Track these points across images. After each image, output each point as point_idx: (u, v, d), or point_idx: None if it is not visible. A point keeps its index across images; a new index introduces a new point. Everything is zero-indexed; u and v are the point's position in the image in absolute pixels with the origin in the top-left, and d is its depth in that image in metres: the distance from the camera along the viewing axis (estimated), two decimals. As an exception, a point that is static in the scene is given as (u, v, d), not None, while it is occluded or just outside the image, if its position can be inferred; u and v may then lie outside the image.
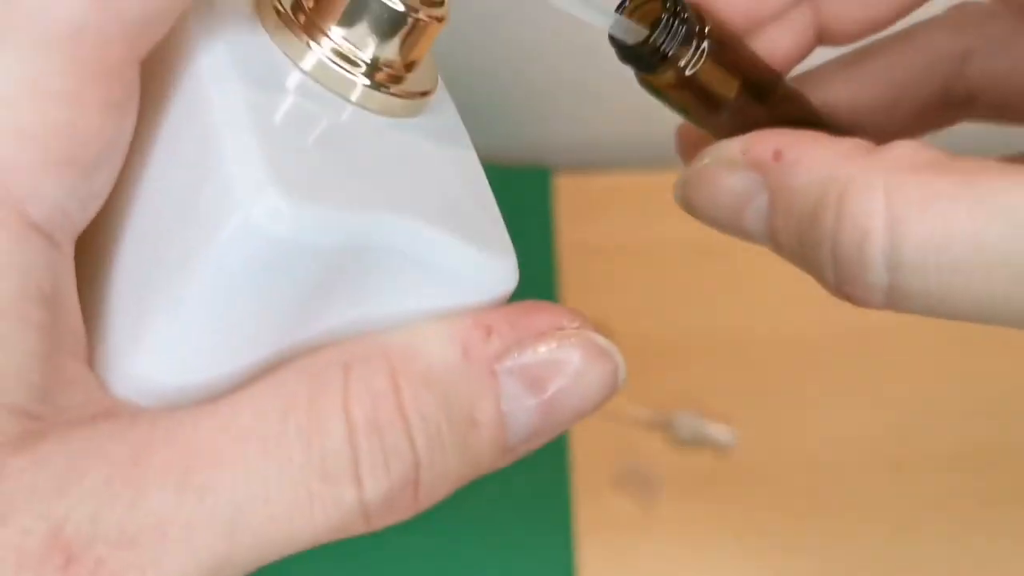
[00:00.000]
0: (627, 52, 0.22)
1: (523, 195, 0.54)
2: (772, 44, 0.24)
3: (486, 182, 0.20)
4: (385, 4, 0.19)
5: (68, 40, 0.15)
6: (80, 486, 0.16)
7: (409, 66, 0.20)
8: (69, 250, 0.17)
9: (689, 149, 0.26)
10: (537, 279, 0.53)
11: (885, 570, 0.48)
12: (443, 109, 0.21)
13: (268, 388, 0.17)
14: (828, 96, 0.26)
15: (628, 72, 0.24)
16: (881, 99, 0.26)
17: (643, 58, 0.21)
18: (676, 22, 0.21)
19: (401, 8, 0.19)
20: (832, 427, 0.51)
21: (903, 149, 0.20)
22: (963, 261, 0.19)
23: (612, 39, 0.22)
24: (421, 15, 0.19)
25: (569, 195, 0.56)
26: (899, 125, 0.27)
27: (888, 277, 0.19)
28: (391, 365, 0.18)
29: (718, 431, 0.50)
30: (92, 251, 0.18)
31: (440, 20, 0.19)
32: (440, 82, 0.21)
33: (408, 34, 0.19)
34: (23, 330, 0.16)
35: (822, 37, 0.25)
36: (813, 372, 0.52)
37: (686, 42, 0.21)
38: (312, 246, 0.17)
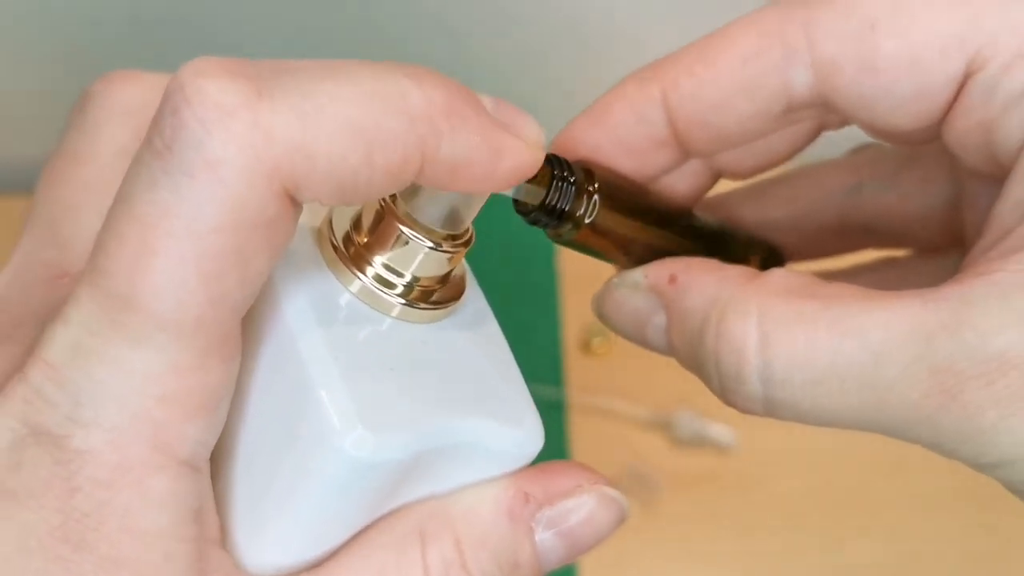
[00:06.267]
0: (530, 217, 0.24)
1: (523, 195, 0.54)
2: (671, 188, 0.27)
3: (511, 355, 0.24)
4: (417, 243, 0.22)
5: (192, 331, 0.19)
6: None
7: (442, 280, 0.23)
8: (207, 469, 0.21)
9: None
10: (537, 279, 0.53)
11: (885, 570, 0.49)
12: (472, 298, 0.25)
13: (363, 561, 0.23)
14: (739, 216, 0.29)
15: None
16: (783, 222, 0.30)
17: (543, 218, 0.24)
18: (564, 184, 0.24)
19: (430, 245, 0.22)
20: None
21: (777, 275, 0.23)
22: (823, 375, 0.22)
23: (516, 207, 0.24)
24: (446, 247, 0.22)
25: (569, 195, 0.56)
26: (804, 245, 0.30)
27: (763, 390, 0.22)
28: (455, 535, 0.23)
29: (718, 431, 0.50)
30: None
31: (466, 245, 0.23)
32: (468, 274, 0.25)
33: (438, 262, 0.23)
34: (184, 546, 0.21)
35: (721, 175, 0.28)
36: (813, 372, 0.52)
37: (578, 197, 0.24)
38: (391, 461, 0.21)
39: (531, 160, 0.21)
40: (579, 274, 0.53)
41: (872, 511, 0.50)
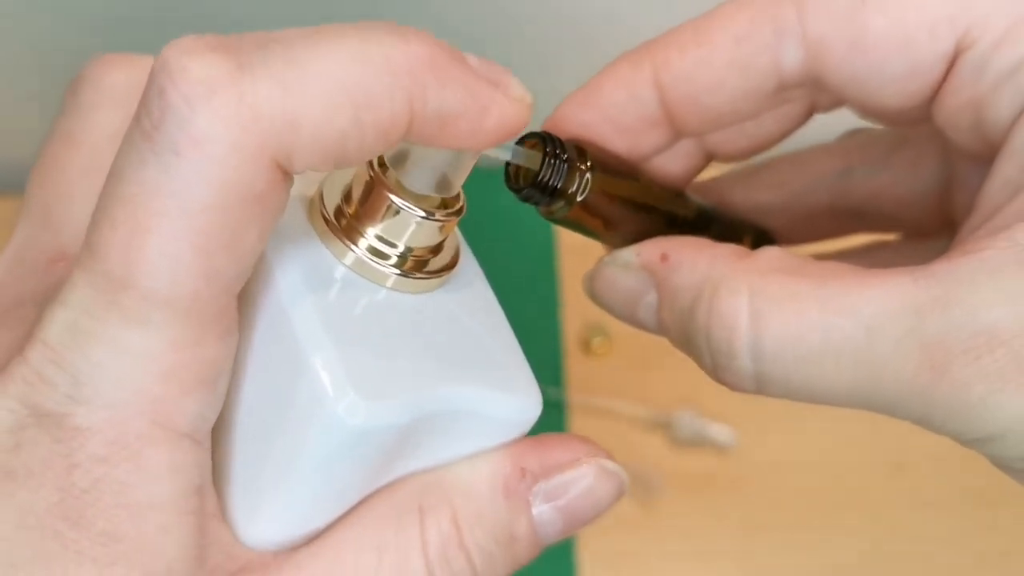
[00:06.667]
0: (523, 194, 0.25)
1: (523, 195, 0.55)
2: (662, 169, 0.27)
3: (507, 324, 0.24)
4: (409, 212, 0.22)
5: (188, 308, 0.20)
6: None
7: (434, 250, 0.23)
8: (207, 442, 0.22)
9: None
10: (537, 279, 0.53)
11: (884, 570, 0.49)
12: (466, 266, 0.25)
13: (361, 532, 0.23)
14: (730, 200, 0.30)
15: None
16: (773, 206, 0.30)
17: (536, 195, 0.24)
18: (556, 161, 0.24)
19: (422, 214, 0.22)
20: (832, 427, 0.51)
21: (769, 254, 0.23)
22: (814, 352, 0.22)
23: (508, 183, 0.25)
24: (438, 216, 0.22)
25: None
26: (794, 229, 0.30)
27: (754, 367, 0.22)
28: (452, 511, 0.23)
29: (718, 431, 0.50)
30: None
31: (458, 214, 0.23)
32: (462, 243, 0.25)
33: (430, 231, 0.23)
34: (183, 519, 0.21)
35: (712, 158, 0.28)
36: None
37: (570, 175, 0.24)
38: (386, 428, 0.21)
39: (517, 115, 0.21)
40: (579, 274, 0.53)
41: (872, 511, 0.50)
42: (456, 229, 0.25)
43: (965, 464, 0.50)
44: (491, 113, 0.20)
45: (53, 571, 0.20)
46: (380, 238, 0.22)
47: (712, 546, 0.49)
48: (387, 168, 0.23)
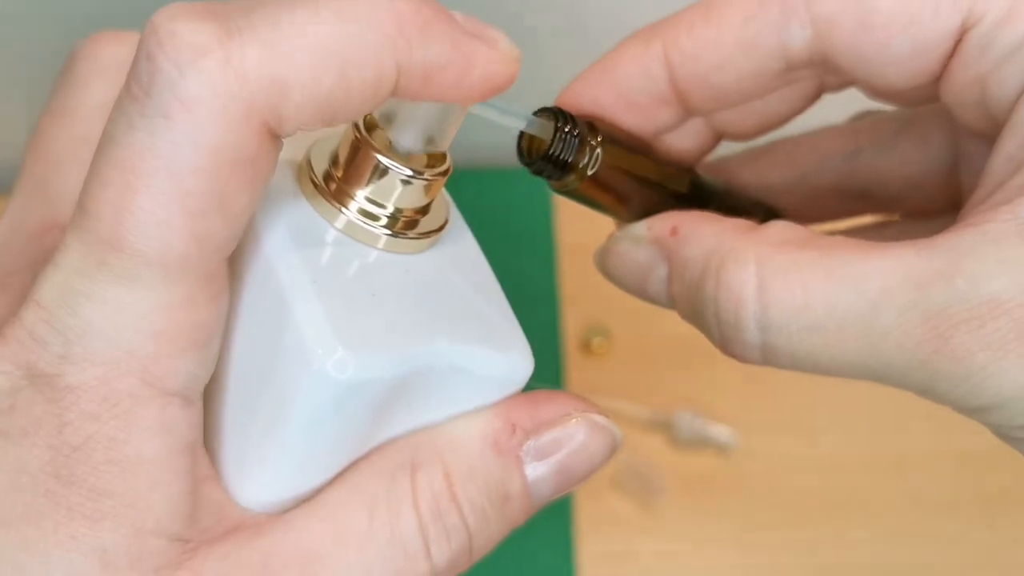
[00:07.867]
0: (535, 166, 0.25)
1: (523, 195, 0.55)
2: (673, 146, 0.28)
3: (498, 284, 0.24)
4: (396, 172, 0.22)
5: (179, 268, 0.20)
6: None
7: (423, 211, 0.23)
8: (199, 403, 0.22)
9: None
10: (537, 279, 0.53)
11: (885, 570, 0.49)
12: (456, 229, 0.25)
13: (353, 491, 0.23)
14: (739, 178, 0.30)
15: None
16: (781, 186, 0.30)
17: (547, 168, 0.25)
18: (568, 136, 0.25)
19: (409, 173, 0.23)
20: (832, 428, 0.51)
21: (776, 227, 0.24)
22: (819, 322, 0.22)
23: (521, 159, 0.25)
24: (426, 175, 0.23)
25: (569, 196, 0.56)
26: (801, 208, 0.30)
27: (760, 337, 0.23)
28: (444, 467, 0.23)
29: (718, 431, 0.50)
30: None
31: (444, 174, 0.23)
32: (451, 205, 0.25)
33: (417, 191, 0.23)
34: (174, 476, 0.21)
35: (722, 136, 0.28)
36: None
37: (581, 149, 0.25)
38: (374, 383, 0.21)
39: (503, 68, 0.21)
40: (579, 274, 0.53)
41: (872, 511, 0.50)
42: (445, 192, 0.25)
43: (965, 464, 0.51)
44: (476, 64, 0.21)
45: (44, 528, 0.20)
46: (369, 199, 0.23)
47: (712, 546, 0.49)
48: (373, 130, 0.23)
